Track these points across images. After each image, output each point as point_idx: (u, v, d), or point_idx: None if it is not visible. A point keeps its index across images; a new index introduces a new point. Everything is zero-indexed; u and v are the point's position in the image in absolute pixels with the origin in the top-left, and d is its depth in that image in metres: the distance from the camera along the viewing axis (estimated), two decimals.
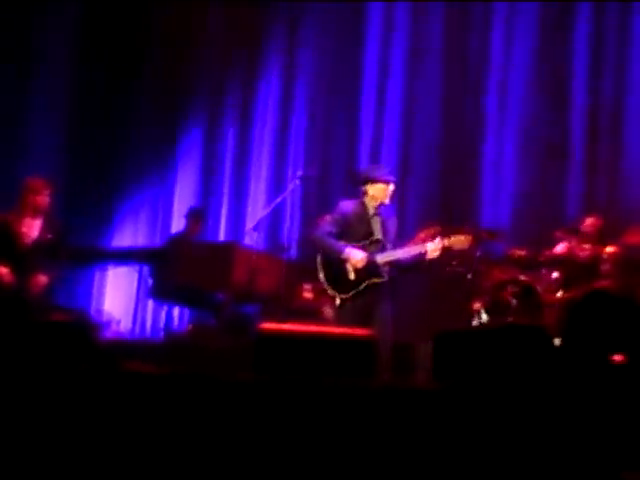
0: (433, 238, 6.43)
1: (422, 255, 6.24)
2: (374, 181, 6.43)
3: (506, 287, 7.61)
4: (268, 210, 8.36)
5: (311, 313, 7.65)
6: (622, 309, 5.08)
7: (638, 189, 8.52)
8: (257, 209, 9.57)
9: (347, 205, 6.55)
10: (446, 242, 6.23)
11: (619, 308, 5.09)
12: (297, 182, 7.81)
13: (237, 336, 7.48)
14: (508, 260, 7.90)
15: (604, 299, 5.29)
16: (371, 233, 6.36)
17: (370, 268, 6.24)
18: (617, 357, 4.68)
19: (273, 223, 9.47)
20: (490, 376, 4.66)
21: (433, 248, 6.19)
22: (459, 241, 6.29)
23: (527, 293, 7.48)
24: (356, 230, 6.36)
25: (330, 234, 6.37)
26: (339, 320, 6.32)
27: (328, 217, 6.66)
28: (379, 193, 6.44)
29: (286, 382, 4.08)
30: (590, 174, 8.90)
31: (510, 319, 7.31)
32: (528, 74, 9.24)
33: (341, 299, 6.28)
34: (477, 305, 7.56)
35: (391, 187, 6.41)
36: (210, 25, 10.32)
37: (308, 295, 8.01)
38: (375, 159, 9.55)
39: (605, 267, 7.48)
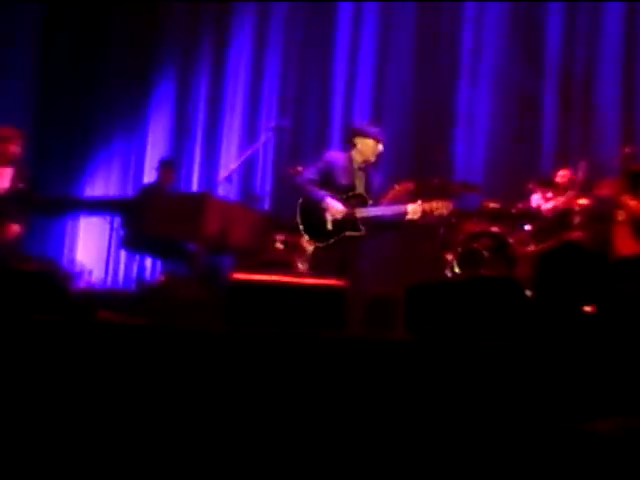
0: (407, 194, 6.49)
1: (401, 215, 6.24)
2: (365, 135, 6.45)
3: (478, 239, 7.65)
4: (241, 161, 8.33)
5: (283, 264, 7.65)
6: (592, 261, 5.11)
7: (609, 142, 8.54)
8: (230, 160, 9.51)
9: (333, 156, 6.59)
10: (427, 207, 6.21)
11: (589, 260, 5.12)
12: (270, 133, 7.78)
13: (209, 286, 7.46)
14: (481, 212, 7.93)
15: (574, 251, 5.31)
16: (353, 187, 6.38)
17: (348, 221, 6.24)
18: (588, 308, 4.72)
19: (246, 174, 9.45)
20: (462, 327, 4.69)
21: (414, 210, 6.18)
22: (440, 207, 6.27)
23: (499, 245, 7.52)
24: (339, 182, 6.38)
25: (312, 181, 6.37)
26: (312, 269, 6.35)
27: (312, 165, 6.65)
28: (367, 149, 6.43)
29: (257, 333, 4.08)
30: (563, 127, 8.92)
31: (482, 271, 7.35)
32: (502, 26, 9.21)
33: (315, 247, 6.31)
34: (450, 257, 7.60)
35: (380, 146, 6.42)
36: None
37: (280, 246, 8.01)
38: (348, 110, 9.53)
39: (577, 219, 7.53)
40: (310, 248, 6.35)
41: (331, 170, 6.43)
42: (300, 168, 7.53)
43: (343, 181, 6.39)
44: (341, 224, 6.23)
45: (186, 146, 10.04)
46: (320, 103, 9.71)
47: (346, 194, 6.32)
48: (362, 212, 6.27)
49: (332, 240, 6.24)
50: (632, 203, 6.55)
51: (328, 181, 6.39)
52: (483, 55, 9.25)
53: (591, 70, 8.96)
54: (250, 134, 9.72)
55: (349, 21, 9.69)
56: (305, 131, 9.62)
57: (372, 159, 6.44)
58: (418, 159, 8.95)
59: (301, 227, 6.37)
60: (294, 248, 7.66)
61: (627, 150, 7.34)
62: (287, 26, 9.91)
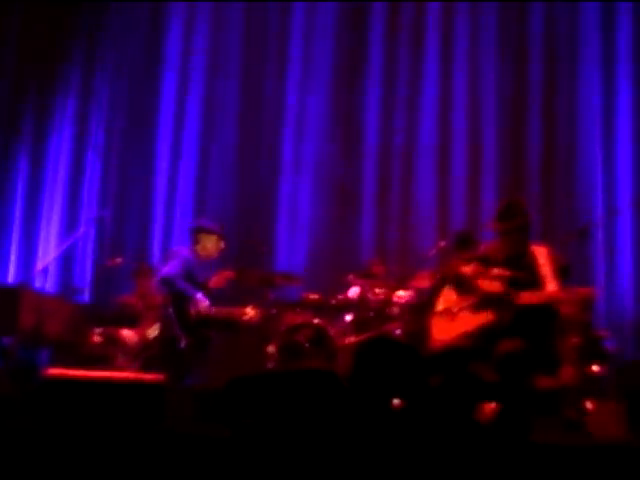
0: (227, 282, 6.72)
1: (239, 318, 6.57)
2: (209, 232, 6.74)
3: (300, 331, 7.68)
4: (59, 252, 8.16)
5: (101, 358, 7.48)
6: (403, 354, 5.23)
7: (426, 236, 8.81)
8: (48, 251, 9.28)
9: (185, 251, 6.87)
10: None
11: (400, 353, 5.23)
12: (90, 224, 7.69)
13: (23, 382, 7.19)
14: (302, 304, 8.00)
15: (386, 344, 5.43)
16: (205, 283, 6.65)
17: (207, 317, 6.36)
18: (396, 402, 4.80)
19: (65, 265, 9.23)
20: (282, 419, 4.68)
21: (251, 315, 6.53)
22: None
23: (320, 337, 7.57)
24: (194, 277, 6.60)
25: (181, 277, 6.68)
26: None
27: (175, 260, 6.96)
28: (211, 245, 6.86)
29: (64, 429, 3.96)
30: (382, 220, 9.16)
31: (302, 362, 7.37)
32: (322, 121, 9.44)
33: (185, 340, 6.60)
34: (271, 348, 7.58)
35: (222, 243, 6.71)
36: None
37: (99, 339, 7.82)
38: (171, 202, 9.50)
39: (395, 310, 7.68)
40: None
41: (189, 266, 6.79)
42: (119, 259, 7.53)
43: (197, 277, 6.65)
44: (203, 318, 6.40)
45: (2, 237, 9.73)
46: (142, 194, 9.64)
47: (203, 289, 6.58)
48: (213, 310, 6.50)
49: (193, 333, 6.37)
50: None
51: (187, 276, 6.59)
52: (304, 146, 9.43)
53: (409, 165, 9.27)
54: (70, 225, 9.52)
55: (172, 117, 9.71)
56: (126, 222, 9.51)
57: (215, 255, 6.72)
58: (240, 250, 8.97)
59: (175, 319, 6.49)
60: (113, 341, 7.53)
61: (442, 244, 7.58)
62: (109, 110, 9.82)
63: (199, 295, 6.81)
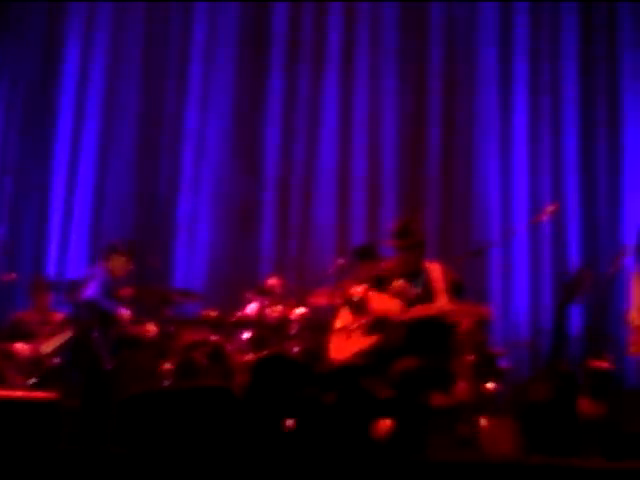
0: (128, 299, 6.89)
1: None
2: (119, 252, 6.87)
3: (197, 348, 7.61)
4: None
5: None
6: (297, 372, 5.24)
7: (325, 254, 8.82)
8: None
9: (101, 270, 7.15)
10: None
11: (294, 371, 5.24)
12: None
13: None
14: (200, 321, 7.92)
15: (281, 362, 5.43)
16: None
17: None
18: (289, 422, 4.80)
19: None
20: (177, 436, 4.63)
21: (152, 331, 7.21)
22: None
23: (217, 354, 7.51)
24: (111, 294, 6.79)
25: (103, 296, 6.98)
26: None
27: (95, 280, 7.11)
28: (121, 265, 7.11)
29: None
30: (280, 238, 9.15)
31: (200, 380, 7.29)
32: (223, 138, 9.39)
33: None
34: (167, 366, 7.48)
35: (131, 265, 6.86)
36: None
37: None
38: (68, 217, 9.33)
39: (293, 328, 7.66)
40: None
41: (106, 284, 7.03)
42: (14, 274, 7.41)
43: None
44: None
45: None
46: (38, 208, 9.43)
47: None
48: None
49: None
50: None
51: (108, 294, 6.96)
52: (203, 164, 9.36)
53: (310, 182, 9.29)
54: None
55: (69, 136, 9.53)
56: (22, 236, 9.30)
57: (122, 275, 6.90)
58: (138, 264, 8.84)
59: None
60: (6, 356, 7.35)
61: (340, 261, 7.57)
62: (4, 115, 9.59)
63: (122, 309, 7.04)
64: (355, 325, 6.14)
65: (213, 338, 7.68)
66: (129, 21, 9.58)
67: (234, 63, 9.48)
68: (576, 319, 8.45)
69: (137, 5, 9.48)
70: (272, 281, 8.12)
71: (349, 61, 9.45)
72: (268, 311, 7.85)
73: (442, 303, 5.84)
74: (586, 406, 6.38)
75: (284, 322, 7.73)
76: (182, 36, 9.53)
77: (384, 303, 6.20)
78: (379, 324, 6.00)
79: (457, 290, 6.17)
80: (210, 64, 9.51)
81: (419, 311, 5.89)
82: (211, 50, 9.53)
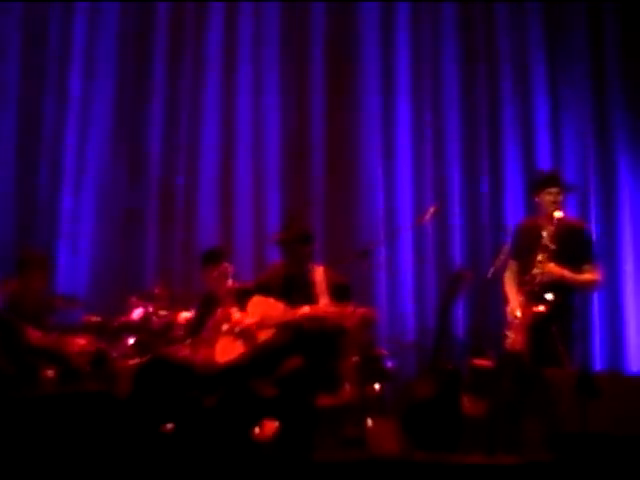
0: None
1: None
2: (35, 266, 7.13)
3: (80, 354, 7.46)
4: None
5: None
6: (178, 376, 5.21)
7: None
8: None
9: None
10: None
11: (175, 375, 5.22)
12: None
13: None
14: (83, 327, 7.77)
15: (162, 366, 5.40)
16: None
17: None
18: (168, 426, 4.78)
19: None
20: (59, 441, 4.56)
21: None
22: None
23: (100, 360, 7.40)
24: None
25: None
26: None
27: None
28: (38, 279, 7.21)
29: None
30: (165, 243, 9.05)
31: (83, 385, 7.17)
32: (105, 140, 9.23)
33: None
34: (50, 372, 7.32)
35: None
36: None
37: None
38: None
39: (179, 332, 7.60)
40: None
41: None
42: None
43: None
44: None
45: None
46: None
47: None
48: None
49: None
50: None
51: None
52: (86, 168, 9.17)
53: (193, 187, 9.21)
54: None
55: None
56: None
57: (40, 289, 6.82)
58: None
59: None
60: None
61: (225, 266, 7.51)
62: None
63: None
64: (240, 327, 6.15)
65: (96, 344, 7.55)
66: (8, 21, 9.31)
67: (115, 64, 9.31)
68: (460, 318, 8.63)
69: (15, 5, 9.23)
70: (159, 288, 8.03)
71: (231, 62, 9.40)
72: (154, 316, 7.76)
73: (325, 305, 5.91)
74: (468, 404, 6.51)
75: (169, 327, 7.66)
76: (62, 36, 9.31)
77: (268, 305, 6.22)
78: (259, 327, 6.04)
79: (342, 293, 6.25)
80: (91, 65, 9.31)
81: (302, 312, 5.94)
82: (92, 52, 9.33)
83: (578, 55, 9.41)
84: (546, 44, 9.43)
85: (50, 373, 7.26)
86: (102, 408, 4.86)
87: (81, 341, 7.46)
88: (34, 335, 6.90)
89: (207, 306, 7.15)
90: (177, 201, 9.16)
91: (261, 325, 6.08)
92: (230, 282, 6.96)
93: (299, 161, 9.27)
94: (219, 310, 6.55)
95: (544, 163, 9.15)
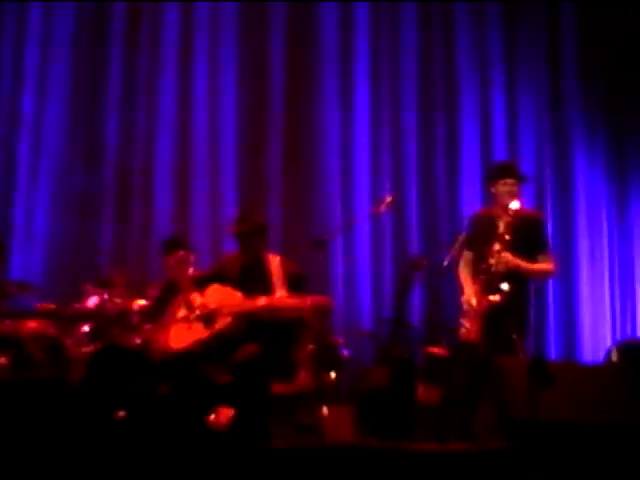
0: None
1: None
2: None
3: (33, 341, 7.41)
4: None
5: None
6: (132, 363, 5.20)
7: None
8: None
9: None
10: None
11: (129, 362, 5.20)
12: None
13: None
14: (37, 313, 7.70)
15: (116, 353, 5.39)
16: None
17: None
18: (120, 413, 4.76)
19: None
20: (9, 429, 4.53)
21: None
22: None
23: (54, 347, 7.35)
24: None
25: None
26: None
27: None
28: None
29: None
30: (121, 230, 9.00)
31: (36, 373, 7.13)
32: (60, 122, 9.15)
33: None
34: (2, 360, 7.26)
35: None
36: None
37: None
38: None
39: (135, 319, 7.57)
40: None
41: None
42: None
43: None
44: None
45: None
46: None
47: None
48: None
49: None
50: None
51: None
52: (41, 150, 9.09)
53: (150, 175, 9.17)
54: None
55: None
56: None
57: None
58: None
59: None
60: None
61: (181, 253, 7.48)
62: None
63: None
64: (195, 314, 6.15)
65: (50, 331, 7.49)
66: None
67: (72, 48, 9.23)
68: (415, 307, 8.69)
69: None
70: (115, 274, 7.98)
71: (188, 49, 9.36)
72: (109, 303, 7.72)
73: (281, 295, 5.93)
74: (422, 392, 6.55)
75: (125, 314, 7.61)
76: (18, 23, 9.21)
77: (226, 294, 6.23)
78: (219, 314, 6.04)
79: (298, 282, 6.28)
80: (46, 50, 9.22)
81: (259, 303, 5.96)
82: (48, 40, 9.25)
83: (536, 49, 9.52)
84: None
85: (3, 360, 7.20)
86: (55, 395, 4.82)
87: (33, 324, 7.41)
88: None
89: (167, 293, 7.13)
90: (133, 186, 9.12)
91: (219, 313, 6.09)
92: (191, 270, 6.97)
93: (256, 148, 9.28)
94: (179, 297, 6.53)
95: (500, 154, 9.23)
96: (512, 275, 6.17)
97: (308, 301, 6.04)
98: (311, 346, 6.64)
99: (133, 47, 9.33)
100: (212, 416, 5.52)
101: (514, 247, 6.22)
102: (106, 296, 7.76)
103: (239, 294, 6.17)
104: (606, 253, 9.35)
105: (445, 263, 6.56)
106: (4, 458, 4.18)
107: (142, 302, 7.65)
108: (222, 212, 8.99)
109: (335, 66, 9.46)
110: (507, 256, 6.18)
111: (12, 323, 7.46)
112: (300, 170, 9.29)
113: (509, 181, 6.43)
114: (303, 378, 6.33)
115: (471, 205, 8.77)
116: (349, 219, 9.07)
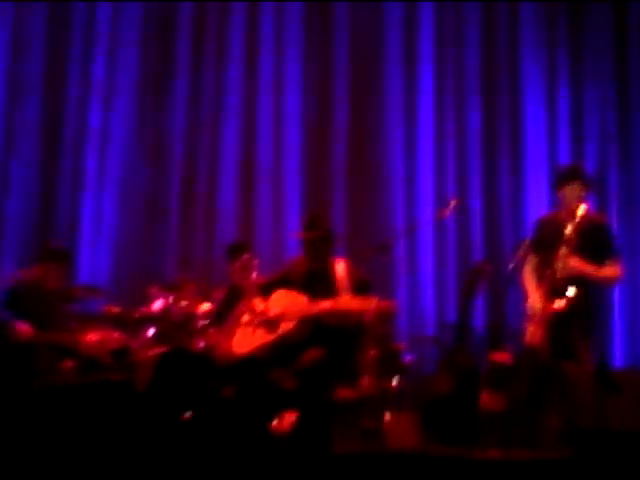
0: None
1: None
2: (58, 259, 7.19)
3: (100, 345, 7.48)
4: None
5: None
6: (198, 366, 5.23)
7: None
8: None
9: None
10: None
11: (195, 365, 5.24)
12: None
13: None
14: (104, 317, 7.79)
15: (182, 356, 5.43)
16: None
17: None
18: (186, 414, 4.79)
19: None
20: (85, 429, 4.60)
21: None
22: None
23: (121, 350, 7.42)
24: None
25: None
26: None
27: None
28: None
29: None
30: (187, 234, 9.07)
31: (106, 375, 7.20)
32: (127, 132, 9.26)
33: None
34: (69, 363, 7.34)
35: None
36: None
37: None
38: None
39: (199, 323, 7.62)
40: None
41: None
42: None
43: None
44: None
45: None
46: None
47: None
48: None
49: None
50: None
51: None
52: (108, 158, 9.20)
53: (214, 179, 9.23)
54: None
55: None
56: None
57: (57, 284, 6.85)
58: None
59: None
60: None
61: (246, 257, 7.53)
62: None
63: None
64: (258, 319, 6.18)
65: (116, 335, 7.57)
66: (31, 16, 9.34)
67: (138, 56, 9.35)
68: (479, 313, 8.61)
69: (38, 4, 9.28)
70: (180, 279, 8.05)
71: (253, 57, 9.42)
72: (174, 307, 7.78)
73: (347, 299, 5.92)
74: (486, 399, 6.50)
75: (190, 318, 7.67)
76: (85, 34, 9.35)
77: (291, 298, 6.24)
78: (282, 319, 6.06)
79: (363, 287, 6.26)
80: (113, 58, 9.34)
81: (324, 306, 5.95)
82: (114, 47, 9.37)
83: (602, 49, 9.41)
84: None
85: (69, 364, 7.28)
86: (123, 398, 4.88)
87: (94, 336, 7.41)
88: (24, 332, 6.85)
89: (231, 298, 7.17)
90: (199, 192, 9.20)
91: (284, 317, 6.10)
92: (254, 275, 6.99)
93: (321, 152, 9.29)
94: (243, 302, 6.56)
95: (564, 155, 9.14)
96: (578, 280, 6.08)
97: (373, 301, 6.00)
98: (374, 351, 6.64)
99: (199, 47, 9.41)
100: (276, 421, 5.54)
101: (581, 252, 6.13)
102: (171, 300, 7.83)
103: (304, 298, 6.17)
104: None
105: (510, 267, 6.50)
106: (73, 460, 4.23)
107: (207, 306, 7.71)
108: (286, 216, 9.03)
109: (399, 66, 9.45)
110: (574, 260, 6.09)
111: (73, 334, 7.43)
112: (364, 174, 9.28)
113: (576, 185, 6.35)
114: (366, 383, 6.32)
115: (535, 208, 8.68)
116: (413, 223, 9.04)
